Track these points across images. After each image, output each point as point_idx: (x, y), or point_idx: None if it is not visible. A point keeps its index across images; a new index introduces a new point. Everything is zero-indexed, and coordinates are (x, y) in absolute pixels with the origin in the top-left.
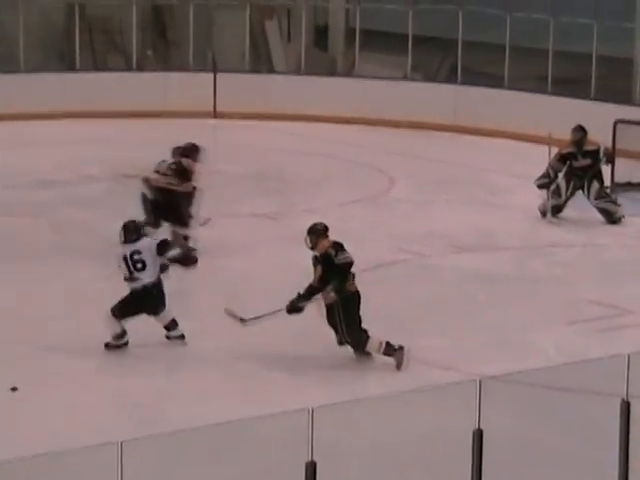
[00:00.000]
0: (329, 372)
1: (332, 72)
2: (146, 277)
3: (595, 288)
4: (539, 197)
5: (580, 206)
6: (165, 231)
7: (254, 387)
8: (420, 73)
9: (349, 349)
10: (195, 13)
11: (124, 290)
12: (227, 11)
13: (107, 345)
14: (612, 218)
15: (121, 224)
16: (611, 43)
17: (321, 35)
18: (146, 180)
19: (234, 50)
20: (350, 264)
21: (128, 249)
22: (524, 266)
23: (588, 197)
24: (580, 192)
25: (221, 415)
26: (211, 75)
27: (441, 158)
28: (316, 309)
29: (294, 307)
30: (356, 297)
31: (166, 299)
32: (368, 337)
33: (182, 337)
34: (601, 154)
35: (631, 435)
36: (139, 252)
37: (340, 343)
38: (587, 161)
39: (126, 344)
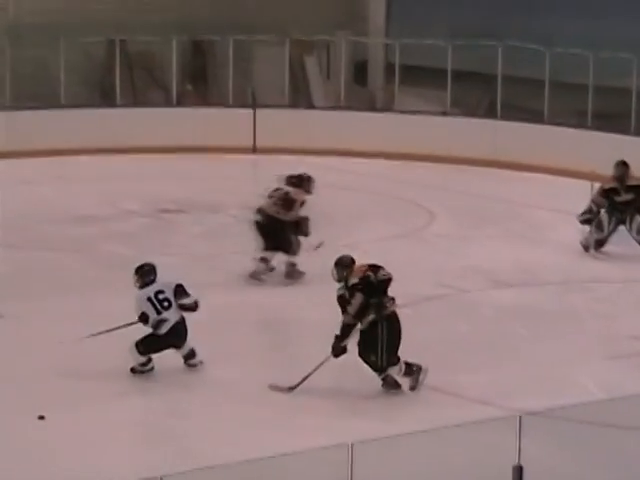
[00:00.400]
0: (364, 406)
1: (371, 107)
2: (172, 316)
3: (635, 323)
4: (580, 232)
5: (622, 241)
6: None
7: (289, 421)
8: (459, 108)
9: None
10: (235, 48)
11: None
12: (267, 47)
13: (133, 370)
14: None
15: (135, 269)
16: None
17: (360, 70)
18: (259, 210)
19: (273, 85)
20: (389, 280)
21: (151, 290)
22: (564, 301)
23: (630, 231)
24: (622, 226)
25: (255, 450)
26: (250, 110)
27: (481, 193)
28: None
29: (338, 350)
30: (397, 318)
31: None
32: (399, 360)
33: (200, 362)
34: None
35: None
36: (162, 291)
37: (378, 369)
38: (630, 196)
39: (152, 369)
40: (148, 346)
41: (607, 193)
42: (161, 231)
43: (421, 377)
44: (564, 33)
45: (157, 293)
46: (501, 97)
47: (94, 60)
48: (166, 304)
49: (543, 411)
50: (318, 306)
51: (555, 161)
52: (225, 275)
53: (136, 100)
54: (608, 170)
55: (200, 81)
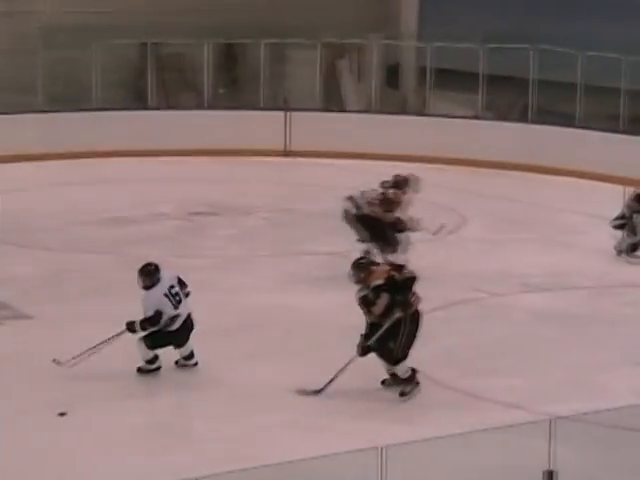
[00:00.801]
0: (394, 409)
1: (403, 111)
2: (184, 311)
3: None
4: (612, 237)
5: None
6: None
7: (319, 424)
8: (492, 112)
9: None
10: (267, 52)
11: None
12: (299, 50)
13: (139, 369)
14: None
15: (138, 271)
16: None
17: (392, 73)
18: (350, 198)
19: (305, 89)
20: (414, 278)
21: (165, 286)
22: (597, 306)
23: None
24: None
25: (285, 453)
26: (282, 114)
27: (513, 197)
28: None
29: (364, 349)
30: (420, 316)
31: None
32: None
33: (195, 364)
34: None
35: None
36: (173, 285)
37: (392, 359)
38: None
39: (159, 369)
40: (155, 340)
41: None
42: (193, 233)
43: (415, 391)
44: (597, 37)
45: (170, 288)
46: (533, 101)
47: (127, 63)
48: (178, 298)
49: (575, 415)
50: (351, 308)
51: (588, 165)
52: (257, 277)
53: (168, 103)
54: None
55: (232, 84)
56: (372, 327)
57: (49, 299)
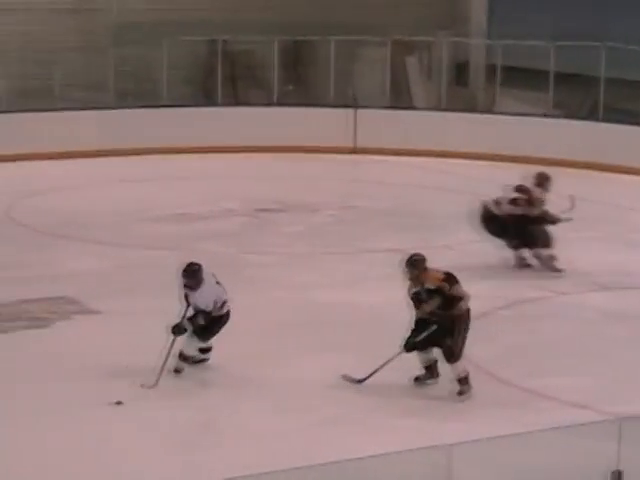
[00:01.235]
0: (460, 408)
1: (472, 108)
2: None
3: None
4: None
5: None
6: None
7: (386, 422)
8: (561, 110)
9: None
10: (336, 49)
11: (253, 325)
12: (368, 47)
13: (193, 360)
14: None
15: (187, 271)
16: None
17: (461, 71)
18: (497, 202)
19: (374, 86)
20: (461, 298)
21: (210, 277)
22: None
23: None
24: None
25: (351, 451)
26: (351, 111)
27: (582, 196)
28: None
29: (410, 345)
30: (469, 316)
31: None
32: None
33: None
34: None
35: None
36: (213, 274)
37: (451, 355)
38: None
39: (206, 360)
40: (209, 331)
41: None
42: (259, 230)
43: (469, 394)
44: None
45: (213, 275)
46: (603, 99)
47: (196, 60)
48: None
49: None
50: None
51: None
52: (321, 274)
53: (237, 100)
54: None
55: (301, 81)
56: (419, 323)
57: (116, 295)
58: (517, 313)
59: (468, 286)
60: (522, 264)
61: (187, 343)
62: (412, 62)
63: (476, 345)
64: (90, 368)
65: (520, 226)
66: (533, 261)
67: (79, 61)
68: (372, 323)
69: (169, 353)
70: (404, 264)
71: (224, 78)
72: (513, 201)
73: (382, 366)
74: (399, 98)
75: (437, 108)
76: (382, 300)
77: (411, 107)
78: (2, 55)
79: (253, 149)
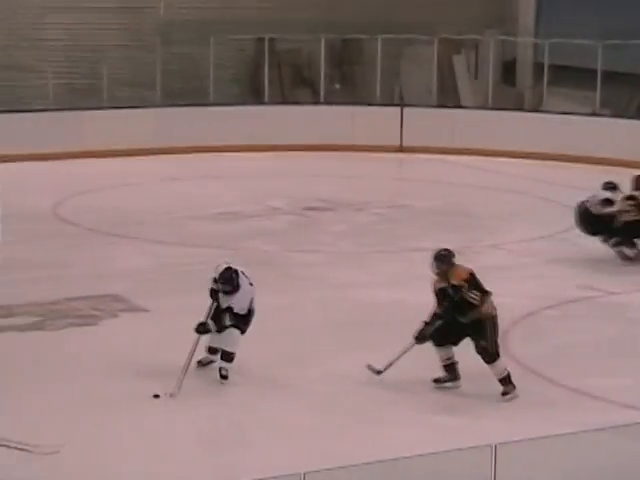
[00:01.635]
0: (506, 408)
1: (519, 107)
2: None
3: None
4: None
5: None
6: None
7: (430, 420)
8: (609, 109)
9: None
10: (383, 47)
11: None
12: (415, 46)
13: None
14: None
15: (221, 277)
16: None
17: (509, 70)
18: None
19: (421, 84)
20: (473, 305)
21: (244, 279)
22: None
23: None
24: None
25: (395, 449)
26: (398, 109)
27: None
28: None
29: (423, 336)
30: (496, 312)
31: None
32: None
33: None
34: None
35: None
36: (252, 282)
37: (490, 354)
38: None
39: (214, 362)
40: (247, 323)
41: None
42: (305, 228)
43: (512, 394)
44: None
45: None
46: None
47: (243, 58)
48: None
49: None
50: None
51: None
52: (367, 273)
53: (284, 98)
54: None
55: (348, 79)
56: (436, 317)
57: (163, 292)
58: (564, 313)
59: (514, 285)
60: (625, 258)
61: (233, 340)
62: (459, 60)
63: (523, 345)
64: (136, 365)
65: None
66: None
67: (126, 60)
68: (416, 323)
69: (193, 352)
70: (432, 258)
71: (271, 77)
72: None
73: (398, 357)
74: (446, 97)
75: (484, 107)
76: (426, 300)
77: (458, 106)
78: (50, 54)
79: (300, 147)
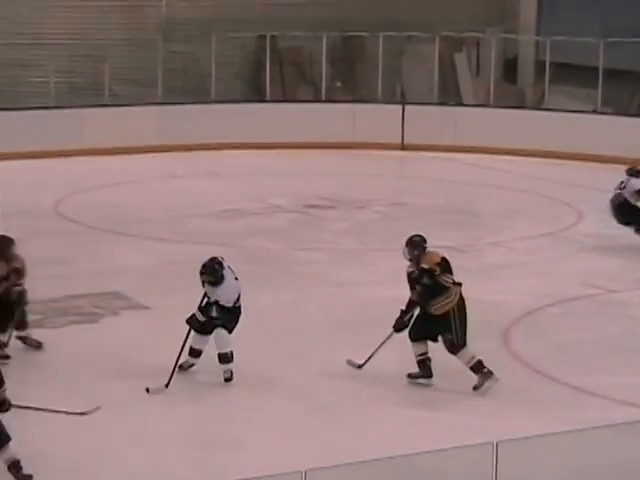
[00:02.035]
0: (508, 405)
1: (521, 105)
2: None
3: None
4: None
5: None
6: None
7: (433, 418)
8: (610, 106)
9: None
10: (384, 45)
11: (299, 321)
12: (416, 43)
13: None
14: None
15: (206, 267)
16: None
17: (510, 67)
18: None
19: (423, 82)
20: (445, 287)
21: (228, 272)
22: None
23: None
24: None
25: (397, 447)
26: (399, 107)
27: None
28: None
29: (400, 325)
30: (464, 301)
31: None
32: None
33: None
34: None
35: None
36: (237, 277)
37: (454, 346)
38: None
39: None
40: (234, 322)
41: None
42: (307, 226)
43: (488, 382)
44: None
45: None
46: None
47: (245, 55)
48: None
49: None
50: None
51: None
52: (369, 271)
53: (286, 96)
54: None
55: (349, 77)
56: (413, 304)
57: (164, 290)
58: (565, 311)
59: (516, 283)
60: None
61: (224, 340)
62: (461, 58)
63: (524, 342)
64: (137, 363)
65: None
66: None
67: (128, 57)
68: None
69: (183, 347)
70: (405, 244)
71: (273, 74)
72: None
73: (377, 349)
74: (448, 94)
75: (486, 104)
76: None
77: (460, 103)
78: (52, 51)
79: (301, 145)
